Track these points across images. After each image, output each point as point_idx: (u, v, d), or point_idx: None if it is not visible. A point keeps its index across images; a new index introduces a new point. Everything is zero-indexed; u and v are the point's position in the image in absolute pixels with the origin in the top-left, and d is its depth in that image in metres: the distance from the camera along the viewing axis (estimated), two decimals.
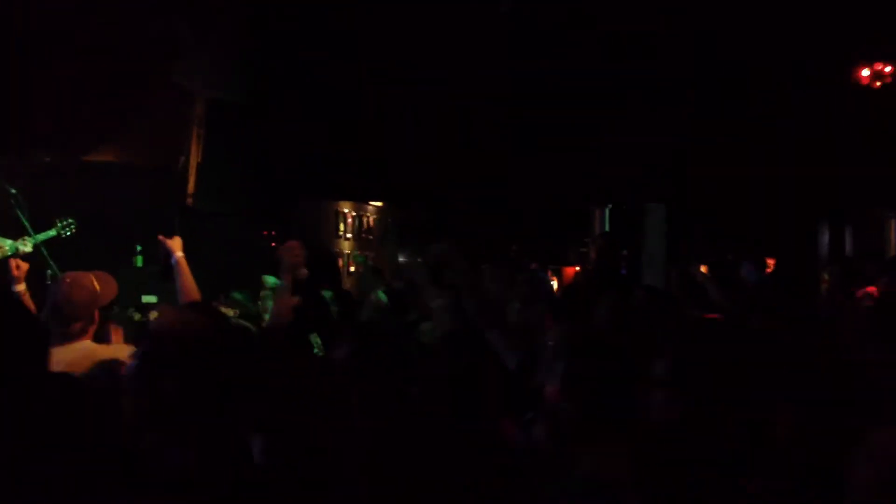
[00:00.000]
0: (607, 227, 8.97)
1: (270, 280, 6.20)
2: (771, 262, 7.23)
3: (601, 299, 3.88)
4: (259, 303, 5.82)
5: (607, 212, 9.14)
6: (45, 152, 8.47)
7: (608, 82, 8.75)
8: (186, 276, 4.20)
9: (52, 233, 6.03)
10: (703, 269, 5.30)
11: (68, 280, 3.68)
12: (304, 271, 3.71)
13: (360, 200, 10.77)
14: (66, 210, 6.45)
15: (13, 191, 5.75)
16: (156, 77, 8.36)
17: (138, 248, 7.40)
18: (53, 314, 3.56)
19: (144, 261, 7.26)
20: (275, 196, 9.38)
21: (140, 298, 6.38)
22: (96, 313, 3.65)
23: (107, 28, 8.07)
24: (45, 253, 5.89)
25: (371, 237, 11.15)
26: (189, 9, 8.27)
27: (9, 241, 6.15)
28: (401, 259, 8.01)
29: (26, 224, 5.78)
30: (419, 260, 5.20)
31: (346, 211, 10.62)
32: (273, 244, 8.86)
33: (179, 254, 4.37)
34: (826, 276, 5.97)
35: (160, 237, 4.45)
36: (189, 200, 8.53)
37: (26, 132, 8.23)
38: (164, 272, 4.64)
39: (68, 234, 6.28)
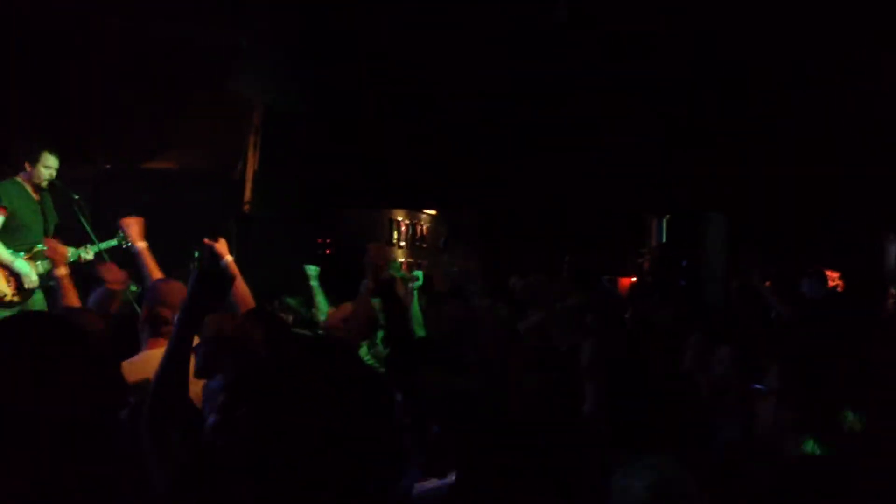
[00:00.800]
0: (664, 238, 8.78)
1: (312, 270, 6.22)
2: (833, 275, 7.05)
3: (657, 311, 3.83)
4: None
5: (665, 221, 8.94)
6: (107, 160, 8.62)
7: (674, 88, 8.64)
8: (238, 282, 4.27)
9: (114, 242, 6.11)
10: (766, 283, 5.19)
11: (163, 283, 3.74)
12: (387, 274, 3.76)
13: (413, 209, 10.78)
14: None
15: (76, 196, 5.83)
16: (214, 85, 8.45)
17: (196, 254, 7.48)
18: (152, 317, 3.65)
19: (200, 266, 7.33)
20: (329, 203, 9.43)
21: None
22: None
23: (166, 37, 8.18)
24: (106, 260, 5.97)
25: (424, 245, 11.12)
26: (247, 17, 8.35)
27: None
28: (454, 268, 8.01)
29: (89, 231, 5.86)
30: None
31: (399, 219, 10.62)
32: (328, 251, 8.91)
33: (228, 258, 4.41)
34: (894, 291, 5.79)
35: (206, 241, 4.49)
36: (246, 207, 8.60)
37: (89, 140, 8.39)
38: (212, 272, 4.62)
39: (129, 244, 6.36)
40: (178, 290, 3.68)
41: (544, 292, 4.29)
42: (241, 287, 4.19)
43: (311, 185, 9.12)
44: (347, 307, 5.11)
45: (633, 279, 6.84)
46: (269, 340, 3.20)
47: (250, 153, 8.81)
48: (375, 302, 4.12)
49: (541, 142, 9.26)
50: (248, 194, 8.60)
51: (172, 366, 2.32)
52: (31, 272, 6.02)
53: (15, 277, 6.00)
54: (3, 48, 7.92)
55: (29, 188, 6.25)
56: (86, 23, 8.00)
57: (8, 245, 6.03)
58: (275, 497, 1.74)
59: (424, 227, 11.19)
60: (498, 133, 9.26)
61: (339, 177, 9.30)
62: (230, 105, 8.73)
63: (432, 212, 11.19)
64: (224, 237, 4.60)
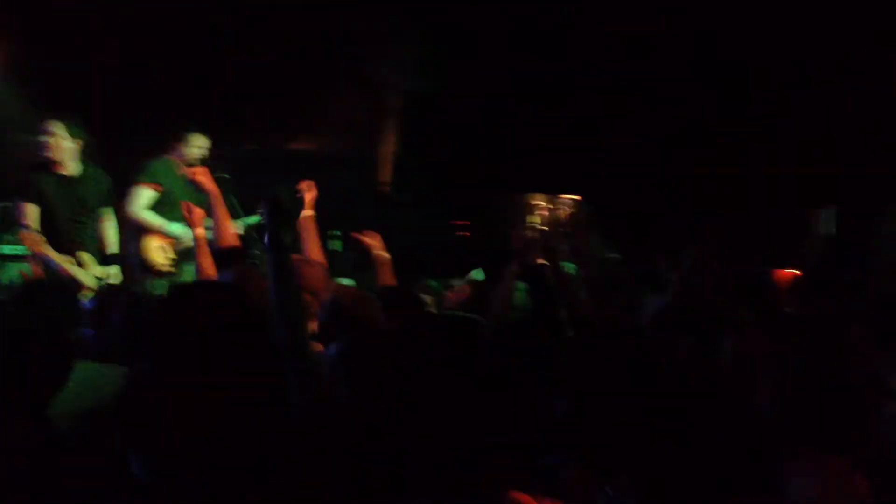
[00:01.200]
0: (832, 229, 8.23)
1: (476, 274, 6.23)
2: None
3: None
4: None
5: (833, 213, 8.36)
6: (253, 141, 8.86)
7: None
8: (385, 269, 4.44)
9: (258, 218, 6.25)
10: None
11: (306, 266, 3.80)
12: (534, 257, 3.70)
13: (553, 193, 10.59)
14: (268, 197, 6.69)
15: (226, 176, 5.95)
16: (355, 69, 8.54)
17: (336, 232, 7.62)
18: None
19: (343, 246, 7.49)
20: (467, 187, 9.37)
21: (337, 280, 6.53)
22: None
23: (308, 22, 8.30)
24: (254, 236, 6.15)
25: (565, 230, 10.90)
26: (385, 1, 8.38)
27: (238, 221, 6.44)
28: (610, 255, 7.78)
29: (237, 206, 6.01)
30: None
31: (539, 203, 10.45)
32: (468, 234, 8.87)
33: (380, 253, 4.51)
34: None
35: (353, 234, 4.59)
36: (384, 188, 8.66)
37: (237, 123, 8.63)
38: (360, 261, 4.79)
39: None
40: (318, 275, 3.73)
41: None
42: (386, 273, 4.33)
43: (448, 168, 9.09)
44: (465, 289, 5.15)
45: (795, 272, 6.47)
46: (394, 316, 3.21)
47: (389, 136, 8.85)
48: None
49: (692, 133, 8.94)
50: (386, 176, 8.66)
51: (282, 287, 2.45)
52: (186, 232, 6.23)
53: (168, 247, 6.21)
54: (156, 31, 8.23)
55: (179, 166, 6.45)
56: (234, 13, 8.21)
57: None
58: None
59: (565, 212, 10.96)
60: (650, 121, 8.98)
61: (478, 160, 9.22)
62: (370, 88, 8.81)
63: (574, 196, 10.96)
64: (361, 218, 4.70)
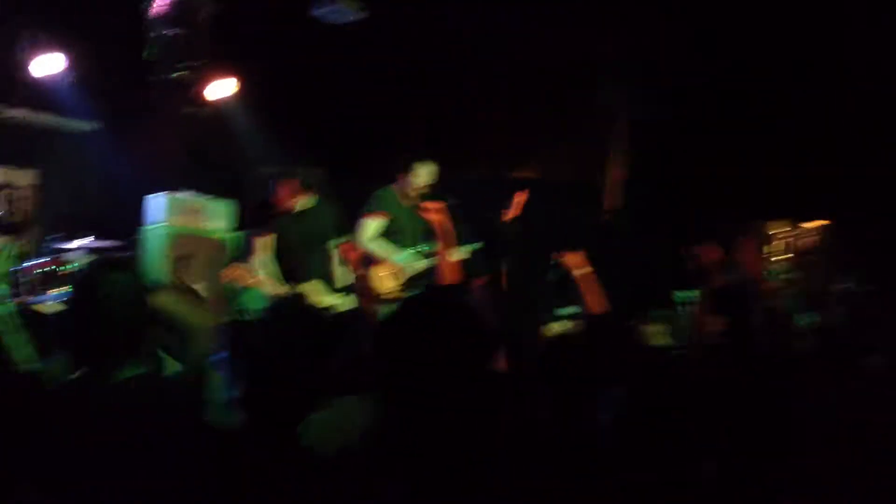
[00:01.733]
0: None
1: (681, 295, 5.99)
2: None
3: None
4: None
5: None
6: (479, 169, 8.98)
7: None
8: (592, 292, 4.23)
9: (482, 244, 6.32)
10: None
11: None
12: (721, 279, 3.50)
13: (789, 220, 9.99)
14: (494, 223, 6.74)
15: (453, 203, 6.03)
16: (580, 96, 8.47)
17: (555, 262, 7.52)
18: None
19: (561, 275, 7.36)
20: (694, 215, 9.02)
21: (554, 311, 6.44)
22: None
23: (535, 51, 8.32)
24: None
25: (806, 259, 10.25)
26: (613, 29, 8.25)
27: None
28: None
29: (462, 234, 6.08)
30: None
31: (775, 232, 9.90)
32: (691, 263, 8.51)
33: (580, 271, 4.35)
34: None
35: (554, 255, 4.47)
36: (607, 216, 8.50)
37: (464, 151, 8.80)
38: (560, 284, 4.65)
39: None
40: None
41: None
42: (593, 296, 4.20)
43: (674, 196, 8.79)
44: None
45: None
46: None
47: (613, 163, 8.69)
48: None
49: None
50: (609, 204, 8.49)
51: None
52: (414, 259, 6.40)
53: (396, 276, 6.39)
54: (384, 62, 8.54)
55: (405, 195, 6.63)
56: (461, 39, 8.38)
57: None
58: None
59: (808, 240, 10.31)
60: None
61: (705, 187, 8.85)
62: (595, 116, 8.70)
63: (820, 223, 10.26)
64: (585, 247, 4.56)
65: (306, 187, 6.12)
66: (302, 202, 6.15)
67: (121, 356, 2.45)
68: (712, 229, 8.87)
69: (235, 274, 5.64)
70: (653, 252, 8.13)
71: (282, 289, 5.89)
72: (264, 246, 6.09)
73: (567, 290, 4.62)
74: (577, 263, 4.47)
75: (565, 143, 8.84)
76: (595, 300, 4.25)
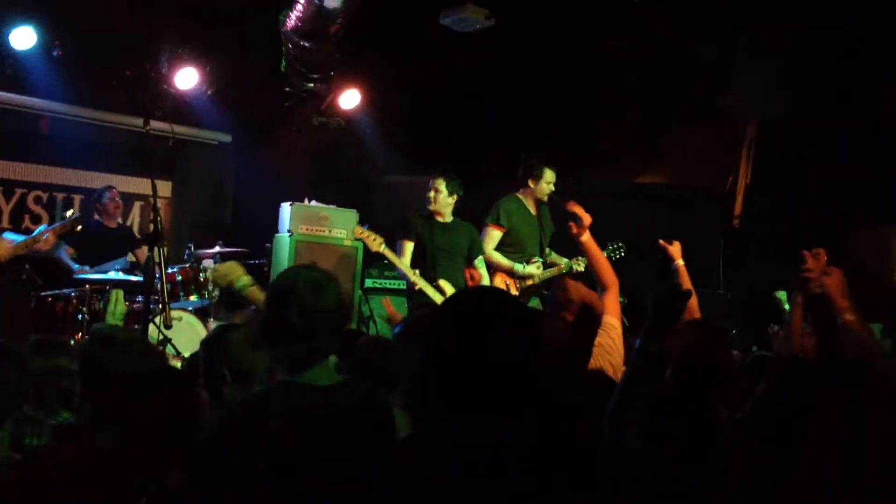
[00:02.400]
0: None
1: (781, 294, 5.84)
2: None
3: None
4: None
5: None
6: (599, 175, 8.91)
7: None
8: (686, 285, 4.14)
9: (604, 254, 6.26)
10: None
11: None
12: (815, 288, 3.34)
13: None
14: (616, 230, 6.68)
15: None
16: (706, 99, 8.29)
17: (671, 266, 7.39)
18: None
19: None
20: (826, 221, 8.70)
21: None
22: None
23: (660, 53, 8.21)
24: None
25: None
26: (742, 28, 8.05)
27: (564, 260, 6.57)
28: None
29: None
30: None
31: None
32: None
33: (680, 262, 4.28)
34: None
35: (661, 242, 4.41)
36: (735, 222, 8.29)
37: (583, 157, 8.75)
38: (659, 274, 4.55)
39: (617, 256, 6.51)
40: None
41: None
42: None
43: (805, 201, 8.50)
44: None
45: None
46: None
47: (742, 167, 8.47)
48: None
49: None
50: (737, 209, 8.28)
51: (631, 383, 2.28)
52: (536, 271, 6.42)
53: (512, 286, 6.42)
54: (507, 72, 8.59)
55: (529, 203, 6.65)
56: (585, 43, 8.35)
57: (507, 257, 6.48)
58: None
59: None
60: None
61: (838, 192, 8.52)
62: (722, 118, 8.51)
63: None
64: (713, 253, 4.50)
65: (452, 187, 6.22)
66: (442, 198, 6.24)
67: None
68: (845, 234, 8.59)
69: (366, 235, 5.87)
70: (783, 258, 7.89)
71: (415, 274, 6.01)
72: (409, 250, 6.21)
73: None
74: (677, 253, 4.41)
75: (691, 147, 8.68)
76: (693, 302, 4.17)
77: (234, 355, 2.95)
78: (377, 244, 6.02)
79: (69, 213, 5.88)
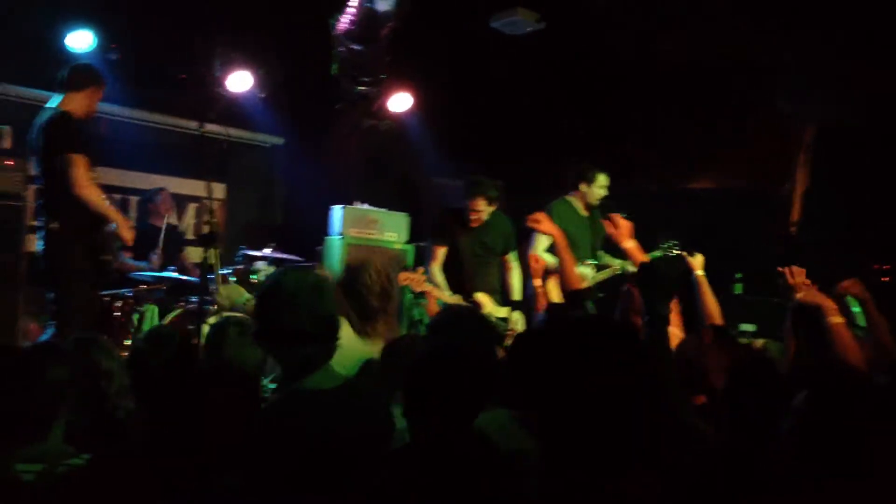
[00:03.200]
0: None
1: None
2: None
3: None
4: None
5: None
6: (652, 180, 8.81)
7: None
8: (706, 296, 4.19)
9: (657, 254, 6.20)
10: None
11: None
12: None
13: None
14: (669, 236, 6.59)
15: (624, 214, 5.96)
16: (761, 103, 8.17)
17: (738, 275, 7.28)
18: None
19: (743, 288, 7.13)
20: (882, 228, 8.50)
21: (737, 327, 6.23)
22: None
23: (713, 55, 8.10)
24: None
25: None
26: (800, 31, 7.90)
27: (618, 261, 6.49)
28: None
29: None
30: None
31: None
32: (884, 279, 8.03)
33: (699, 272, 4.27)
34: None
35: (682, 253, 4.45)
36: (792, 228, 8.14)
37: (635, 161, 8.66)
38: (762, 306, 4.54)
39: (672, 254, 6.42)
40: None
41: None
42: (709, 301, 4.17)
43: (864, 209, 8.31)
44: None
45: None
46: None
47: (799, 173, 8.32)
48: None
49: None
50: (795, 215, 8.12)
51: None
52: (588, 273, 6.37)
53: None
54: (558, 75, 8.53)
55: (580, 206, 6.59)
56: (636, 46, 8.27)
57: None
58: None
59: None
60: None
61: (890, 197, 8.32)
62: (778, 123, 8.36)
63: None
64: (769, 260, 4.47)
65: (491, 199, 6.19)
66: (485, 214, 6.22)
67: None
68: None
69: (410, 278, 5.76)
70: (841, 267, 7.73)
71: (453, 297, 5.96)
72: (442, 255, 6.21)
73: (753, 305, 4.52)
74: (698, 265, 4.42)
75: (745, 151, 8.54)
76: (710, 305, 4.16)
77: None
78: (421, 284, 5.88)
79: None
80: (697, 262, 4.48)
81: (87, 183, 4.83)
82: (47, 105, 5.13)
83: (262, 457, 2.33)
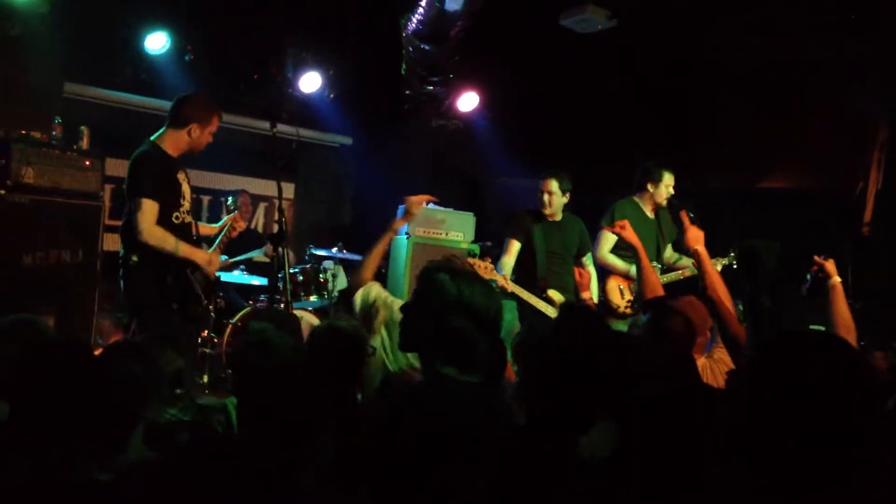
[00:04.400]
0: None
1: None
2: None
3: None
4: None
5: None
6: (720, 178, 8.70)
7: None
8: (840, 305, 3.99)
9: (724, 261, 6.13)
10: None
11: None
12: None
13: None
14: (737, 236, 6.50)
15: (691, 214, 5.89)
16: (835, 101, 8.00)
17: (808, 276, 7.13)
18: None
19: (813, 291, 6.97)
20: None
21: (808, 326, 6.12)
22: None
23: (786, 51, 7.97)
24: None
25: None
26: (876, 26, 7.72)
27: (691, 261, 6.41)
28: None
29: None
30: None
31: None
32: None
33: (836, 279, 4.13)
34: None
35: (817, 258, 4.24)
36: (865, 229, 7.96)
37: (704, 159, 8.56)
38: (811, 290, 4.38)
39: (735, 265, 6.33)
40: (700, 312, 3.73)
41: None
42: (842, 309, 3.99)
43: None
44: None
45: None
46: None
47: (873, 171, 8.13)
48: None
49: None
50: (867, 215, 7.95)
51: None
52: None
53: (627, 289, 6.32)
54: (628, 73, 8.47)
55: (647, 207, 6.54)
56: (707, 44, 8.17)
57: (623, 260, 6.38)
58: None
59: None
60: None
61: None
62: (852, 120, 8.18)
63: None
64: (841, 261, 4.31)
65: (563, 184, 6.19)
66: (556, 198, 6.22)
67: None
68: None
69: (477, 264, 5.78)
70: None
71: (517, 288, 5.95)
72: (515, 249, 6.20)
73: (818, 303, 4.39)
74: (833, 270, 4.23)
75: (817, 149, 8.37)
76: (842, 304, 4.00)
77: None
78: (488, 272, 5.88)
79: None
80: (832, 267, 4.20)
81: (154, 230, 4.63)
82: (151, 137, 4.89)
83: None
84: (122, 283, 4.80)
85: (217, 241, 5.11)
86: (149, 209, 4.60)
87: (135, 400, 2.56)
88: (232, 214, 5.45)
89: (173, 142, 4.84)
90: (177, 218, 4.79)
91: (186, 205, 4.89)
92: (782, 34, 7.82)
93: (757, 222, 7.48)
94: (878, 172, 8.03)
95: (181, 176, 4.88)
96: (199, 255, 4.83)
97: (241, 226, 5.40)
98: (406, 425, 2.42)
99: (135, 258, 4.65)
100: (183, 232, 4.82)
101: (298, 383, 2.70)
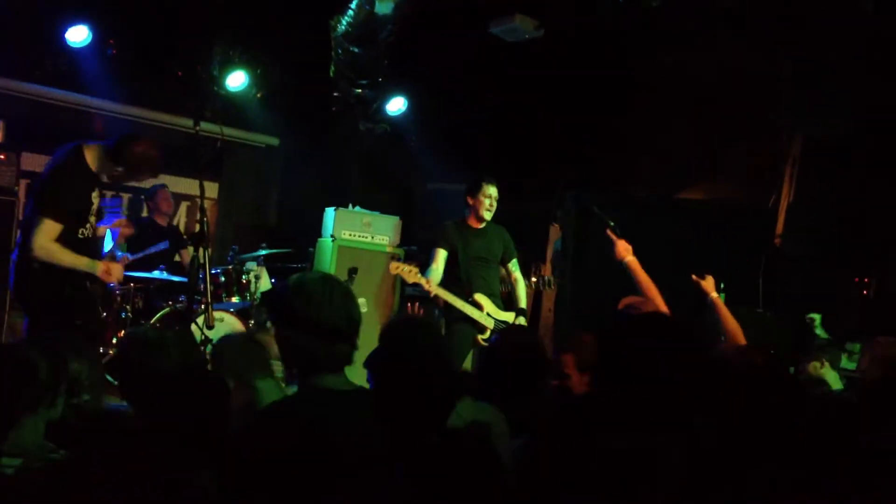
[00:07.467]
0: None
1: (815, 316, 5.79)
2: None
3: None
4: None
5: None
6: (643, 189, 8.87)
7: None
8: (726, 316, 4.22)
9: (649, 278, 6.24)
10: None
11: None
12: None
13: None
14: (658, 246, 6.63)
15: (611, 223, 5.99)
16: (754, 115, 8.22)
17: (721, 285, 7.31)
18: None
19: (726, 299, 7.16)
20: (869, 241, 8.57)
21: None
22: None
23: (706, 66, 8.16)
24: None
25: None
26: (794, 45, 7.97)
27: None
28: None
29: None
30: None
31: None
32: (865, 292, 8.11)
33: (714, 295, 4.32)
34: None
35: (694, 277, 4.45)
36: (777, 241, 8.21)
37: (627, 171, 8.72)
38: (696, 310, 4.59)
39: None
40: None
41: None
42: (730, 323, 4.20)
43: (847, 221, 8.38)
44: None
45: None
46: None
47: (785, 185, 8.38)
48: None
49: None
50: (779, 228, 8.20)
51: None
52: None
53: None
54: (554, 83, 8.58)
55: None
56: (633, 55, 8.33)
57: None
58: None
59: None
60: None
61: (880, 213, 8.39)
62: (768, 135, 8.42)
63: None
64: (753, 271, 4.51)
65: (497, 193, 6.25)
66: (481, 224, 6.26)
67: None
68: (887, 259, 8.45)
69: (401, 268, 5.83)
70: (826, 281, 7.82)
71: (442, 291, 5.99)
72: (442, 258, 6.22)
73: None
74: (710, 287, 4.44)
75: (735, 162, 8.60)
76: (731, 326, 4.19)
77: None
78: (413, 275, 5.95)
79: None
80: (710, 284, 4.46)
81: (48, 246, 4.50)
82: (84, 143, 4.70)
83: (261, 450, 2.36)
84: (13, 278, 4.66)
85: (108, 249, 5.06)
86: (49, 229, 4.48)
87: (28, 394, 2.54)
88: (119, 219, 5.47)
89: (100, 162, 4.69)
90: (82, 234, 4.70)
91: (93, 219, 4.79)
92: (702, 49, 8.02)
93: (677, 233, 7.63)
94: (789, 186, 8.28)
95: (94, 193, 4.76)
96: (97, 267, 4.71)
97: (129, 231, 5.42)
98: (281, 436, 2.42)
99: (36, 265, 4.52)
100: (86, 245, 4.73)
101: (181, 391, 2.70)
